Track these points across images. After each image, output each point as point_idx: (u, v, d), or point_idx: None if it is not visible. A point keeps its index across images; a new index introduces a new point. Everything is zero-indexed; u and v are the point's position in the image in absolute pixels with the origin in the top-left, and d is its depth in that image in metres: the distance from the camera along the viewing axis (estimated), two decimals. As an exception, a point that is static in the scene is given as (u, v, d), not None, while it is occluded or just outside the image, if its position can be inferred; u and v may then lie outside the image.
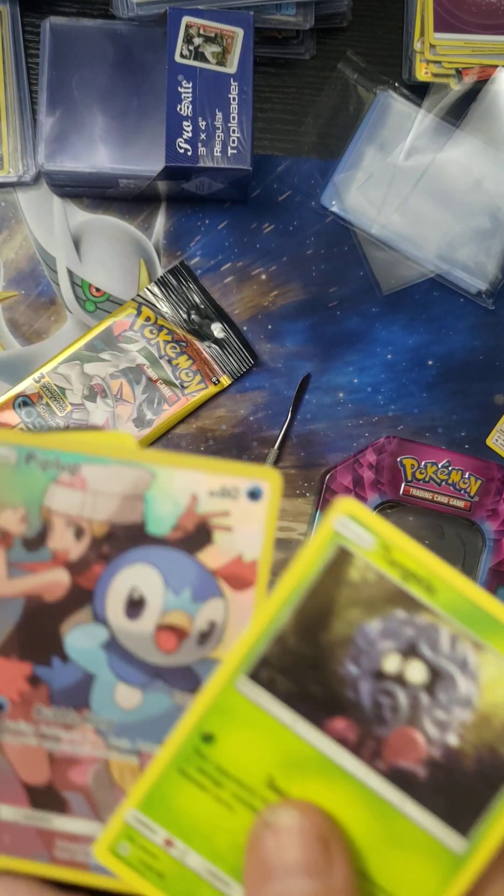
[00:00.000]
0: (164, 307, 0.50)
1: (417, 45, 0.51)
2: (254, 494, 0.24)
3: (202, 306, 0.50)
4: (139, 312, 0.50)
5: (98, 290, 0.51)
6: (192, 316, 0.50)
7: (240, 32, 0.47)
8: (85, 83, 0.48)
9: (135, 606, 0.24)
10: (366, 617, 0.23)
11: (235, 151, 0.46)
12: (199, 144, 0.46)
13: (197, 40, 0.47)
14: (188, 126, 0.46)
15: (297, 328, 0.51)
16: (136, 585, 0.24)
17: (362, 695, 0.23)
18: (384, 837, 0.22)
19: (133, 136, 0.48)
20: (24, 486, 0.24)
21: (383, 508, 0.49)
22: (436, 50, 0.50)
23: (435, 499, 0.48)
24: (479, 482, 0.48)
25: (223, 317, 0.50)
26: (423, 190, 0.50)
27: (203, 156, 0.46)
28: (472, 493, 0.48)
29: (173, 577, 0.24)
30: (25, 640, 0.24)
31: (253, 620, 0.23)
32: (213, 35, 0.47)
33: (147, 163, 0.48)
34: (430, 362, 0.51)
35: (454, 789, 0.22)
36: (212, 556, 0.24)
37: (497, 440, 0.50)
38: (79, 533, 0.24)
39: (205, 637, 0.24)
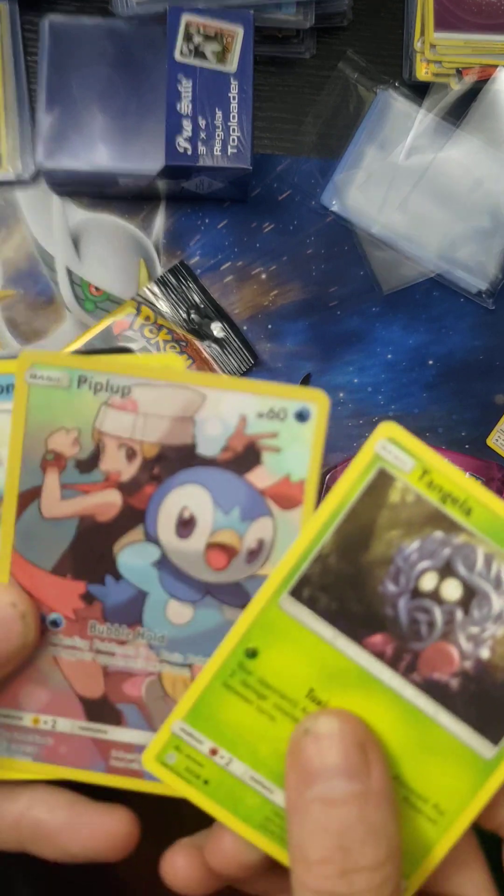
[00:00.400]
0: (164, 306, 0.50)
1: (418, 45, 0.51)
2: (301, 416, 0.24)
3: (202, 306, 0.50)
4: (138, 312, 0.49)
5: (97, 289, 0.51)
6: (192, 315, 0.50)
7: (240, 31, 0.47)
8: (84, 81, 0.48)
9: (185, 526, 0.25)
10: (404, 537, 0.24)
11: (235, 150, 0.46)
12: (199, 143, 0.46)
13: (197, 39, 0.47)
14: (188, 125, 0.46)
15: (297, 328, 0.51)
16: (186, 505, 0.25)
17: (400, 612, 0.24)
18: (418, 745, 0.23)
19: (132, 134, 0.48)
20: (77, 408, 0.24)
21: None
22: (436, 49, 0.50)
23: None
24: (479, 482, 0.48)
25: (223, 316, 0.50)
26: (424, 189, 0.50)
27: (203, 155, 0.46)
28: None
29: (223, 496, 0.25)
30: (79, 559, 0.25)
31: (296, 540, 0.24)
32: (212, 33, 0.47)
33: (146, 161, 0.47)
34: (430, 362, 0.51)
35: (485, 699, 0.23)
36: (260, 477, 0.24)
37: (497, 440, 0.50)
38: (130, 455, 0.25)
39: (253, 555, 0.25)
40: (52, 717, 0.25)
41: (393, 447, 0.24)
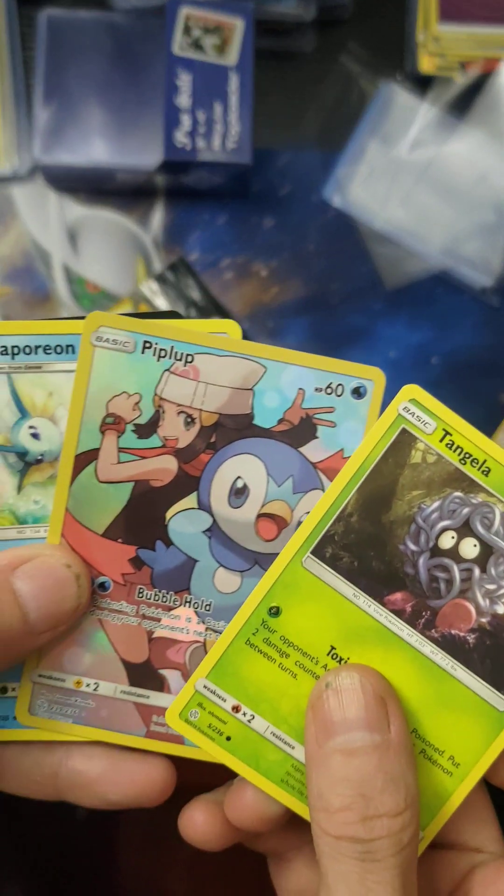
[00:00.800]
0: (163, 304, 0.49)
1: (420, 37, 0.50)
2: (358, 392, 0.25)
3: (201, 303, 0.49)
4: (136, 309, 0.49)
5: (94, 286, 0.50)
6: (192, 312, 0.49)
7: (240, 24, 0.47)
8: (82, 75, 0.48)
9: (238, 495, 0.25)
10: (425, 497, 0.24)
11: (235, 145, 0.46)
12: (198, 138, 0.46)
13: (196, 32, 0.46)
14: (187, 119, 0.46)
15: (298, 325, 0.50)
16: (240, 475, 0.25)
17: (419, 570, 0.24)
18: (435, 699, 0.24)
19: (131, 129, 0.48)
20: (140, 373, 0.25)
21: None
22: (439, 42, 0.50)
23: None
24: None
25: (223, 313, 0.50)
26: (427, 184, 0.49)
27: (202, 150, 0.46)
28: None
29: (276, 468, 0.25)
30: (131, 524, 0.25)
31: (319, 501, 0.24)
32: (212, 26, 0.47)
33: (145, 156, 0.47)
34: (434, 360, 0.50)
35: (500, 654, 0.24)
36: (314, 450, 0.25)
37: (502, 439, 0.49)
38: (189, 422, 0.25)
39: None
40: (94, 681, 0.25)
41: (415, 408, 0.24)
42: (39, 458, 0.26)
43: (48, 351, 0.26)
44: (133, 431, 0.25)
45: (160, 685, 0.25)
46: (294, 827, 0.26)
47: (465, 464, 0.24)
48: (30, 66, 0.50)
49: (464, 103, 0.50)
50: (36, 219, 0.50)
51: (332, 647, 0.24)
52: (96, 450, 0.25)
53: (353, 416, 0.25)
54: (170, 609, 0.25)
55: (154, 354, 0.25)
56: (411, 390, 0.25)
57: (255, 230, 0.50)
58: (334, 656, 0.24)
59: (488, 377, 0.50)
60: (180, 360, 0.25)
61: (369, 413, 0.25)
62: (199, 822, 0.25)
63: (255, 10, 0.47)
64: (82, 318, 0.25)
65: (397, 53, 0.51)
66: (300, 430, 0.25)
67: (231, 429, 0.25)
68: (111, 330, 0.25)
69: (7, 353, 0.25)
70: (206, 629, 0.25)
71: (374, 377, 0.25)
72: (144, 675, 0.25)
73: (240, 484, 0.25)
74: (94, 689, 0.25)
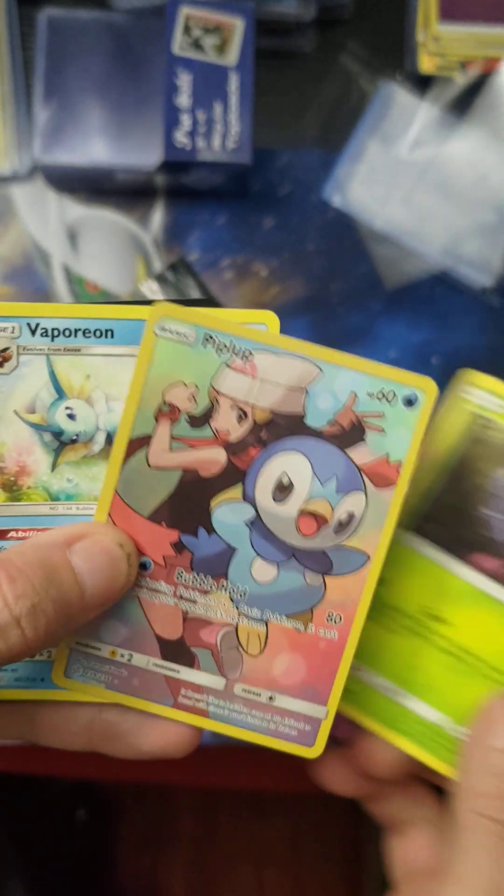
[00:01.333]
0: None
1: (420, 37, 0.50)
2: (410, 401, 0.26)
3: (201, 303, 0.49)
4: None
5: (94, 286, 0.50)
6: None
7: (240, 24, 0.47)
8: (82, 75, 0.48)
9: (282, 491, 0.26)
10: (497, 468, 0.27)
11: (235, 145, 0.46)
12: (198, 138, 0.46)
13: (196, 31, 0.46)
14: (186, 119, 0.46)
15: (298, 325, 0.50)
16: (286, 471, 0.26)
17: (498, 532, 0.27)
18: None
19: (131, 129, 0.48)
20: (199, 365, 0.25)
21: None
22: (439, 42, 0.49)
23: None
24: None
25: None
26: (428, 184, 0.49)
27: (202, 149, 0.46)
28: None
29: (322, 467, 0.26)
30: (176, 509, 0.26)
31: (410, 483, 0.26)
32: (212, 26, 0.47)
33: (145, 156, 0.47)
34: (434, 360, 0.50)
35: None
36: (361, 454, 0.26)
37: (503, 440, 0.49)
38: (241, 416, 0.26)
39: (342, 526, 0.26)
40: (128, 652, 0.26)
41: (478, 391, 0.28)
42: (74, 438, 0.26)
43: (87, 334, 0.26)
44: (187, 421, 0.26)
45: (191, 662, 0.26)
46: (416, 800, 0.30)
47: None
48: (30, 66, 0.50)
49: (464, 103, 0.50)
50: (36, 219, 0.50)
51: (429, 608, 0.28)
52: (149, 436, 0.26)
53: (402, 424, 0.26)
54: (206, 592, 0.26)
55: (214, 348, 0.25)
56: (470, 375, 0.28)
57: (255, 230, 0.50)
58: (431, 616, 0.28)
59: (488, 377, 0.50)
60: (239, 355, 0.25)
61: (419, 422, 0.26)
62: (335, 769, 0.30)
63: (255, 10, 0.47)
64: (126, 302, 0.26)
65: (397, 53, 0.51)
66: (349, 433, 0.26)
67: (282, 426, 0.26)
68: (175, 321, 0.25)
69: (47, 336, 0.26)
70: (240, 615, 0.26)
71: (426, 387, 0.26)
72: (177, 651, 0.26)
73: (285, 480, 0.26)
74: (128, 660, 0.26)
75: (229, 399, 0.25)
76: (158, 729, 0.27)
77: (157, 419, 0.26)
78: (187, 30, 0.46)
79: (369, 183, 0.49)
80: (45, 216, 0.50)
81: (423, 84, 0.50)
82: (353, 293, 0.50)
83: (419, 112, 0.49)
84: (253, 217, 0.50)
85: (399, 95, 0.50)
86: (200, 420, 0.26)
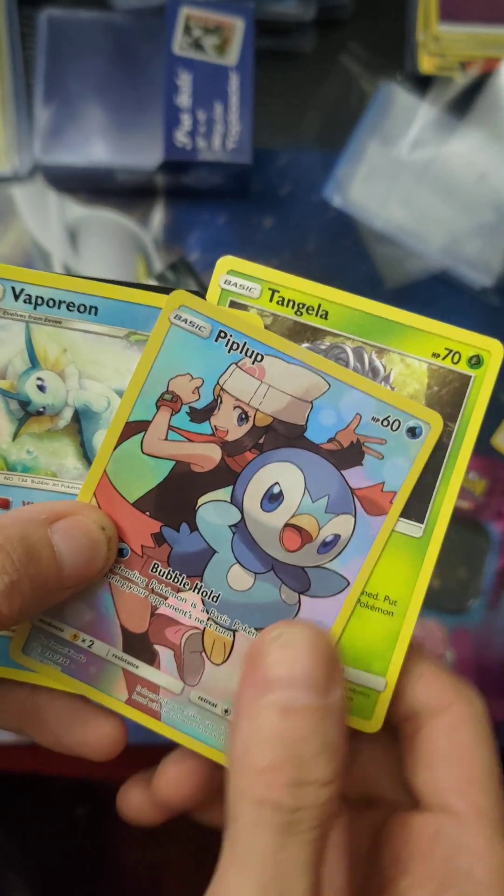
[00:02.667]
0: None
1: (420, 37, 0.50)
2: (413, 432, 0.25)
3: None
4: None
5: (95, 286, 0.50)
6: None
7: (240, 24, 0.46)
8: (82, 75, 0.48)
9: (272, 500, 0.25)
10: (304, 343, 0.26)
11: (235, 145, 0.46)
12: (198, 138, 0.45)
13: (196, 31, 0.46)
14: (187, 119, 0.46)
15: (298, 325, 0.50)
16: (279, 481, 0.25)
17: None
18: None
19: (131, 129, 0.47)
20: (208, 360, 0.25)
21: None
22: (439, 42, 0.49)
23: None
24: (484, 482, 0.47)
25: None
26: (427, 184, 0.49)
27: (202, 149, 0.46)
28: (477, 494, 0.47)
29: (315, 483, 0.25)
30: (162, 501, 0.25)
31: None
32: (212, 26, 0.47)
33: (145, 156, 0.47)
34: (434, 360, 0.50)
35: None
36: (356, 476, 0.25)
37: (503, 439, 0.49)
38: (243, 418, 0.25)
39: (326, 546, 0.25)
40: (91, 637, 0.26)
41: (236, 279, 0.26)
42: (41, 410, 0.26)
43: (71, 308, 0.26)
44: (187, 413, 0.25)
45: (152, 659, 0.26)
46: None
47: (301, 315, 0.25)
48: (30, 66, 0.50)
49: (464, 103, 0.50)
50: (36, 219, 0.50)
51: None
52: (147, 422, 0.25)
53: (402, 454, 0.25)
54: (178, 590, 0.26)
55: (226, 345, 0.25)
56: (227, 262, 0.25)
57: (255, 230, 0.50)
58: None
59: (488, 377, 0.50)
60: (250, 356, 0.25)
61: (419, 454, 0.25)
62: (133, 800, 0.27)
63: (256, 10, 0.47)
64: (142, 286, 0.25)
65: (397, 53, 0.51)
66: (347, 454, 0.25)
67: (281, 435, 0.25)
68: (191, 312, 0.25)
69: (30, 303, 0.26)
70: (209, 619, 0.26)
71: (432, 421, 0.25)
72: (139, 645, 0.26)
73: (276, 490, 0.25)
74: (89, 646, 0.26)
75: (233, 398, 0.25)
76: (83, 727, 0.26)
77: (157, 406, 0.25)
78: (187, 30, 0.46)
79: (369, 183, 0.49)
80: (45, 216, 0.50)
81: (423, 84, 0.50)
82: (353, 292, 0.50)
83: (419, 112, 0.49)
84: (253, 217, 0.50)
85: (399, 96, 0.50)
86: (201, 414, 0.25)
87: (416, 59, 0.50)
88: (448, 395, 0.26)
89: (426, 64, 0.50)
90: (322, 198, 0.50)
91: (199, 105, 0.46)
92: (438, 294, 0.50)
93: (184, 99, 0.46)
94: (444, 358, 0.26)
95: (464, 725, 0.24)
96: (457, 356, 0.26)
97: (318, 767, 0.20)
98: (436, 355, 0.26)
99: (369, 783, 0.27)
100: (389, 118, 0.50)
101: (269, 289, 0.25)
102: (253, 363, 0.25)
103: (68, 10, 0.48)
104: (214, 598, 0.25)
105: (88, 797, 0.63)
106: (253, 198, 0.50)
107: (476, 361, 0.26)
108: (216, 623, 0.26)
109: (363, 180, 0.49)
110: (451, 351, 0.26)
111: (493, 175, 0.49)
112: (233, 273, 0.25)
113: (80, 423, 0.26)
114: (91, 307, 0.26)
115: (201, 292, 0.26)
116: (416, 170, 0.49)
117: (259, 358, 0.25)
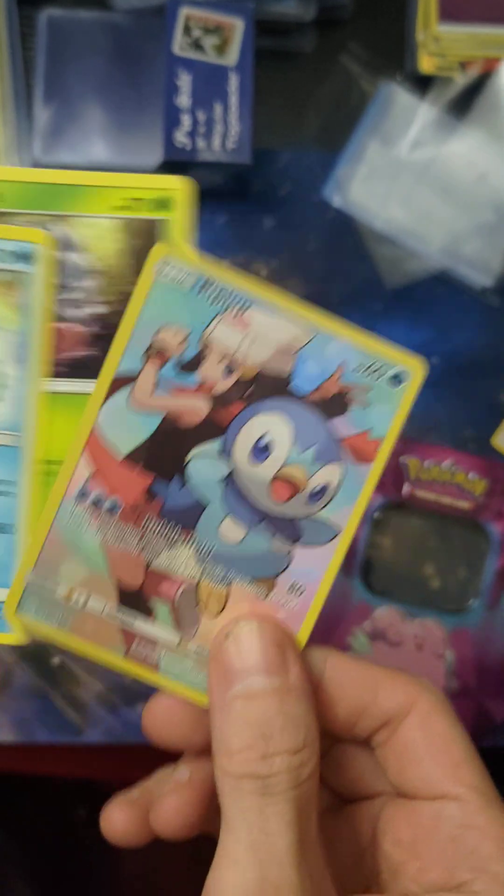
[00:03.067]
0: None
1: (420, 37, 0.50)
2: (397, 378, 0.25)
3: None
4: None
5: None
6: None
7: (240, 24, 0.46)
8: (82, 75, 0.48)
9: (260, 452, 0.26)
10: None
11: (235, 145, 0.46)
12: (198, 138, 0.45)
13: (196, 32, 0.46)
14: (186, 119, 0.46)
15: (298, 325, 0.50)
16: (267, 432, 0.26)
17: None
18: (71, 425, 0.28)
19: (131, 129, 0.48)
20: (193, 312, 0.25)
21: (387, 510, 0.48)
22: (439, 42, 0.50)
23: (439, 500, 0.47)
24: (484, 482, 0.47)
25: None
26: (428, 184, 0.49)
27: (202, 149, 0.46)
28: (477, 494, 0.47)
29: (303, 434, 0.26)
30: (153, 455, 0.26)
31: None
32: (212, 27, 0.47)
33: (145, 156, 0.47)
34: (434, 360, 0.50)
35: None
36: (342, 425, 0.26)
37: (503, 440, 0.49)
38: (229, 370, 0.25)
39: (315, 496, 0.26)
40: (86, 594, 0.26)
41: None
42: None
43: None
44: (174, 366, 0.25)
45: (148, 613, 0.26)
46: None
47: None
48: (30, 66, 0.50)
49: (464, 103, 0.50)
50: (36, 219, 0.50)
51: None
52: (135, 376, 0.26)
53: (386, 401, 0.25)
54: (172, 544, 0.26)
55: (211, 296, 0.25)
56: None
57: (255, 230, 0.50)
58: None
59: (488, 377, 0.50)
60: (234, 308, 0.25)
61: (403, 400, 0.25)
62: (117, 822, 0.27)
63: (255, 10, 0.47)
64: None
65: (397, 53, 0.51)
66: (333, 403, 0.25)
67: (268, 386, 0.25)
68: (174, 263, 0.25)
69: None
70: (203, 572, 0.26)
71: (413, 367, 0.25)
72: (135, 600, 0.26)
73: (264, 441, 0.26)
74: (84, 602, 0.26)
75: (219, 350, 0.25)
76: None
77: (145, 359, 0.25)
78: (187, 30, 0.46)
79: (369, 183, 0.49)
80: (45, 216, 0.50)
81: (423, 84, 0.50)
82: (353, 293, 0.50)
83: (419, 112, 0.49)
84: (253, 217, 0.50)
85: (399, 96, 0.50)
86: (188, 366, 0.25)
87: (416, 59, 0.50)
88: (147, 245, 0.26)
89: (426, 64, 0.50)
90: (322, 198, 0.50)
91: (198, 105, 0.46)
92: (438, 294, 0.50)
93: (183, 99, 0.46)
94: (127, 209, 0.26)
95: (435, 714, 0.25)
96: (140, 204, 0.26)
97: (285, 739, 0.23)
98: (122, 209, 0.26)
99: (365, 783, 0.27)
100: (389, 118, 0.50)
101: None
102: (237, 315, 0.25)
103: (68, 10, 0.48)
104: (208, 551, 0.26)
105: (88, 797, 0.63)
106: (253, 198, 0.51)
107: (161, 204, 0.26)
108: (209, 576, 0.26)
109: (363, 180, 0.49)
110: (135, 200, 0.26)
111: (493, 175, 0.49)
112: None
113: None
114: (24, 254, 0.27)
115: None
116: (416, 170, 0.49)
117: (243, 309, 0.25)
